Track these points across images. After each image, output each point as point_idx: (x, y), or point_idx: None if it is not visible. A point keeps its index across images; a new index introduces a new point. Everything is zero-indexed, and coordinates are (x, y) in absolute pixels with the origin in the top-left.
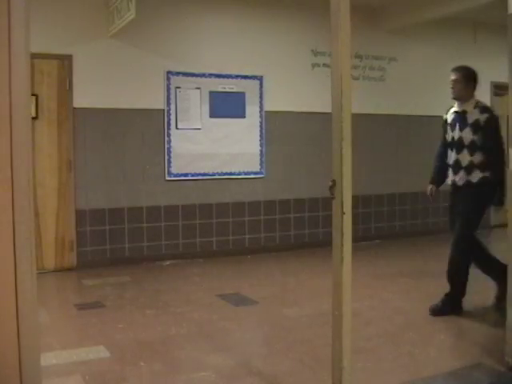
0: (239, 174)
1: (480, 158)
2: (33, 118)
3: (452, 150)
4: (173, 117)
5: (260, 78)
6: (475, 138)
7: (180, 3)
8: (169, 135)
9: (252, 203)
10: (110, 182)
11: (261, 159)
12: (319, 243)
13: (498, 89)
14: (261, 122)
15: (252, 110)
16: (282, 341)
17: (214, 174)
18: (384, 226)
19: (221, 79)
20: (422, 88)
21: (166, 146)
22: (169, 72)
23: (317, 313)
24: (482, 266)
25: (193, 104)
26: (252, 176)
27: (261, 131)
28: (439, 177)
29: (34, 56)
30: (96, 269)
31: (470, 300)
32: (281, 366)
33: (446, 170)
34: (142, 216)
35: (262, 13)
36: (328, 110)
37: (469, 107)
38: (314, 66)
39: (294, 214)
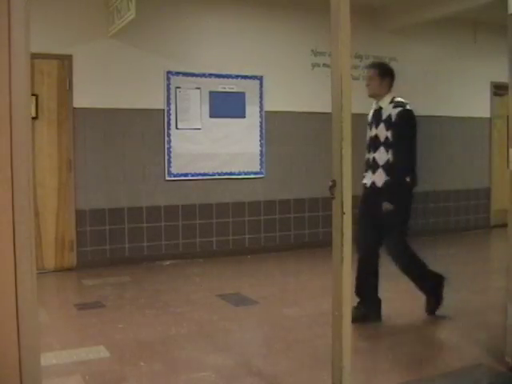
0: (239, 174)
1: (393, 156)
2: (33, 118)
3: (370, 148)
4: (173, 117)
5: (260, 78)
6: (388, 134)
7: (180, 3)
8: (169, 135)
9: (252, 203)
10: (110, 181)
11: (261, 159)
12: (319, 243)
13: (498, 89)
14: (261, 122)
15: (252, 110)
16: (281, 341)
17: (213, 174)
18: None
19: (221, 79)
20: (422, 88)
21: (166, 146)
22: (169, 72)
23: (317, 313)
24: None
25: (193, 104)
26: (252, 176)
27: (261, 131)
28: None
29: (34, 56)
30: (96, 269)
31: (470, 300)
32: (281, 366)
33: None
34: (142, 216)
35: (261, 13)
36: (328, 110)
37: (384, 103)
38: (314, 65)
39: (294, 214)
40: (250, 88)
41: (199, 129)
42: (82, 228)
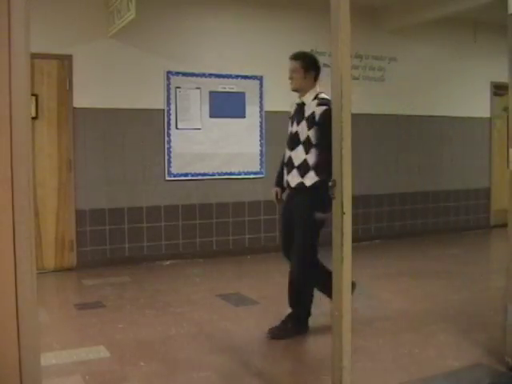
0: (239, 173)
1: (315, 158)
2: (33, 118)
3: (288, 146)
4: (173, 117)
5: (260, 78)
6: (310, 133)
7: (180, 3)
8: (169, 135)
9: (252, 203)
10: (110, 181)
11: (261, 159)
12: (319, 243)
13: (498, 89)
14: (261, 122)
15: (252, 110)
16: (281, 341)
17: (214, 174)
18: (384, 226)
19: (221, 79)
20: (422, 88)
21: (166, 146)
22: (169, 72)
23: (317, 312)
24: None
25: (193, 104)
26: (252, 176)
27: (261, 131)
28: (281, 177)
29: (34, 56)
30: (96, 269)
31: (470, 300)
32: (281, 366)
33: None
34: (142, 216)
35: (261, 13)
36: None
37: (308, 99)
38: None
39: None
40: (249, 88)
41: (199, 129)
42: (82, 228)
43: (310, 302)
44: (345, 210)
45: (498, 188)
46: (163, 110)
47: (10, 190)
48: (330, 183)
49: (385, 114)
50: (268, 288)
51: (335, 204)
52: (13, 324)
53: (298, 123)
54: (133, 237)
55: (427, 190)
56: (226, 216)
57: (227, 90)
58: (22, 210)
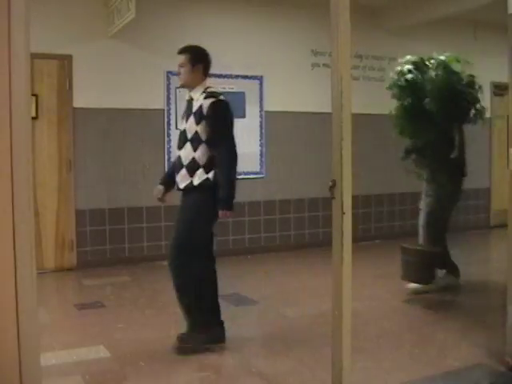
0: (239, 174)
1: (205, 155)
2: (33, 118)
3: (177, 145)
4: (173, 117)
5: (260, 78)
6: (199, 128)
7: (180, 3)
8: (169, 135)
9: (252, 203)
10: (110, 181)
11: (261, 159)
12: (319, 243)
13: (498, 89)
14: (261, 122)
15: (252, 110)
16: (282, 341)
17: None
18: (384, 226)
19: (221, 79)
20: None
21: (166, 146)
22: (169, 72)
23: (317, 313)
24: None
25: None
26: (252, 176)
27: (261, 131)
28: (170, 177)
29: (34, 56)
30: (96, 269)
31: (470, 300)
32: (281, 366)
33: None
34: (142, 216)
35: (261, 13)
36: (328, 110)
37: (196, 94)
38: (313, 66)
39: (294, 214)
40: (249, 88)
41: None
42: (82, 228)
43: (215, 307)
44: (345, 210)
45: (497, 188)
46: (163, 110)
47: (10, 189)
48: (330, 183)
49: (385, 114)
50: (268, 288)
51: (335, 204)
52: (13, 324)
53: (187, 120)
54: (133, 237)
55: None
56: None
57: (227, 89)
58: (22, 210)
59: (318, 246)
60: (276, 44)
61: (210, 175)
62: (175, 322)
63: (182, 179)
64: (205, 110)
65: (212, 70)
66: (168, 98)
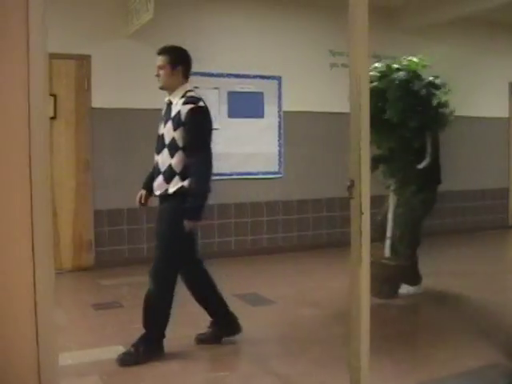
0: (257, 174)
1: (181, 162)
2: (51, 118)
3: (155, 150)
4: None
5: (278, 78)
6: (176, 134)
7: (198, 4)
8: None
9: (270, 203)
10: (128, 181)
11: (279, 159)
12: (337, 243)
13: None
14: (279, 122)
15: (270, 110)
16: (299, 341)
17: (232, 174)
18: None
19: (239, 79)
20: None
21: None
22: None
23: (334, 313)
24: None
25: (211, 104)
26: (270, 176)
27: (279, 131)
28: (152, 181)
29: (52, 56)
30: (113, 269)
31: (488, 300)
32: (298, 366)
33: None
34: None
35: (280, 13)
36: (346, 110)
37: (175, 98)
38: (332, 66)
39: (311, 214)
40: (268, 88)
41: (217, 129)
42: (100, 228)
43: (165, 322)
44: (363, 210)
45: None
46: None
47: (29, 190)
48: (348, 183)
49: None
50: (285, 288)
51: (353, 204)
52: (31, 324)
53: (165, 124)
54: (151, 237)
55: (445, 190)
56: (244, 216)
57: (245, 90)
58: (40, 211)
59: (336, 246)
60: (294, 44)
61: (186, 183)
62: (192, 321)
63: (159, 186)
64: (183, 116)
65: (230, 70)
66: None
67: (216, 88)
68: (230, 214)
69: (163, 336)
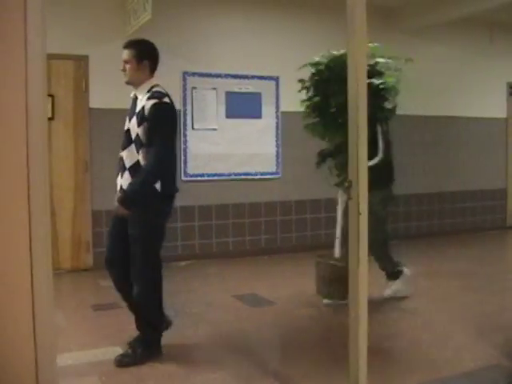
0: (255, 174)
1: (146, 158)
2: (49, 119)
3: (121, 145)
4: (189, 117)
5: (276, 79)
6: (140, 131)
7: (196, 4)
8: (185, 135)
9: (268, 204)
10: None
11: (277, 160)
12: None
13: None
14: (277, 123)
15: (268, 110)
16: (298, 341)
17: (230, 175)
18: (400, 226)
19: (237, 80)
20: (438, 89)
21: (183, 147)
22: (185, 72)
23: (333, 313)
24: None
25: (209, 104)
26: (268, 177)
27: (277, 132)
28: None
29: (50, 57)
30: None
31: (487, 301)
32: (297, 367)
33: None
34: None
35: (277, 14)
36: None
37: (141, 93)
38: None
39: (310, 214)
40: (266, 88)
41: (215, 129)
42: (99, 228)
43: (159, 322)
44: (361, 210)
45: None
46: (179, 110)
47: (27, 190)
48: (346, 184)
49: (400, 115)
50: (284, 289)
51: (351, 205)
52: (29, 324)
53: (130, 119)
54: None
55: (443, 191)
56: (243, 217)
57: (243, 90)
58: (38, 211)
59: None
60: (292, 44)
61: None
62: (191, 322)
63: (126, 183)
64: (146, 112)
65: (228, 71)
66: (184, 99)
67: (214, 88)
68: (228, 214)
69: (160, 336)
